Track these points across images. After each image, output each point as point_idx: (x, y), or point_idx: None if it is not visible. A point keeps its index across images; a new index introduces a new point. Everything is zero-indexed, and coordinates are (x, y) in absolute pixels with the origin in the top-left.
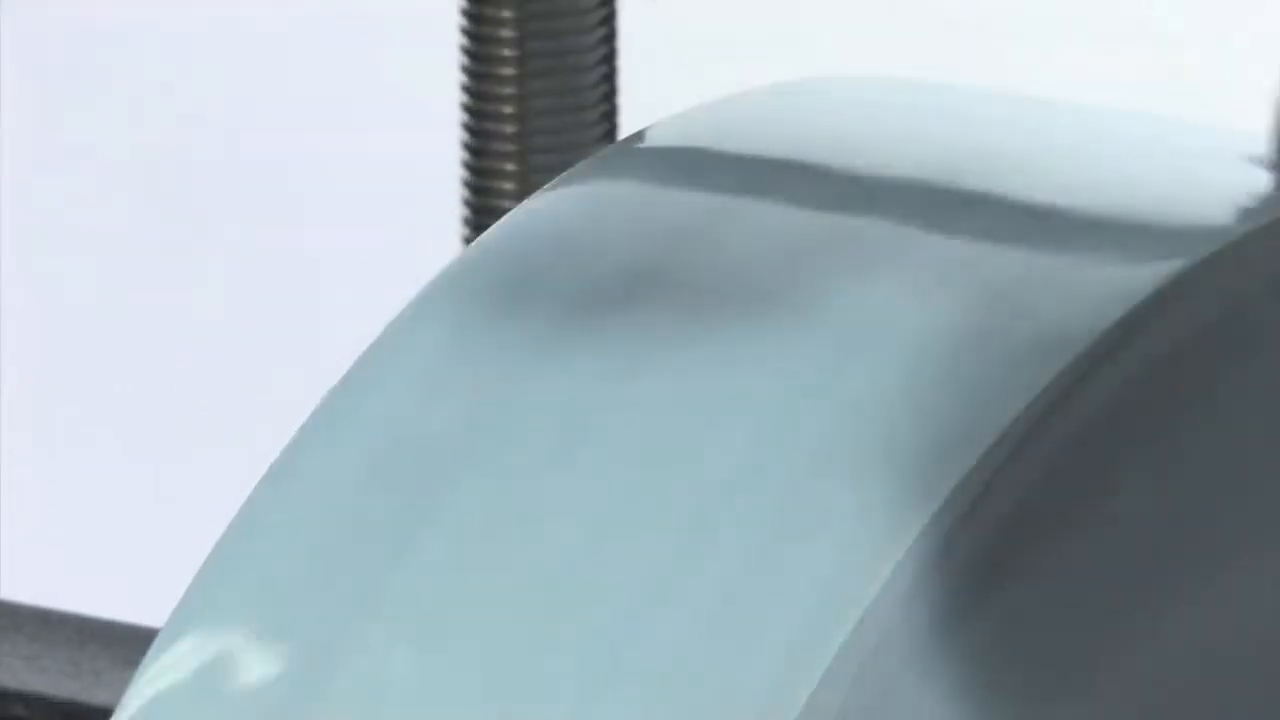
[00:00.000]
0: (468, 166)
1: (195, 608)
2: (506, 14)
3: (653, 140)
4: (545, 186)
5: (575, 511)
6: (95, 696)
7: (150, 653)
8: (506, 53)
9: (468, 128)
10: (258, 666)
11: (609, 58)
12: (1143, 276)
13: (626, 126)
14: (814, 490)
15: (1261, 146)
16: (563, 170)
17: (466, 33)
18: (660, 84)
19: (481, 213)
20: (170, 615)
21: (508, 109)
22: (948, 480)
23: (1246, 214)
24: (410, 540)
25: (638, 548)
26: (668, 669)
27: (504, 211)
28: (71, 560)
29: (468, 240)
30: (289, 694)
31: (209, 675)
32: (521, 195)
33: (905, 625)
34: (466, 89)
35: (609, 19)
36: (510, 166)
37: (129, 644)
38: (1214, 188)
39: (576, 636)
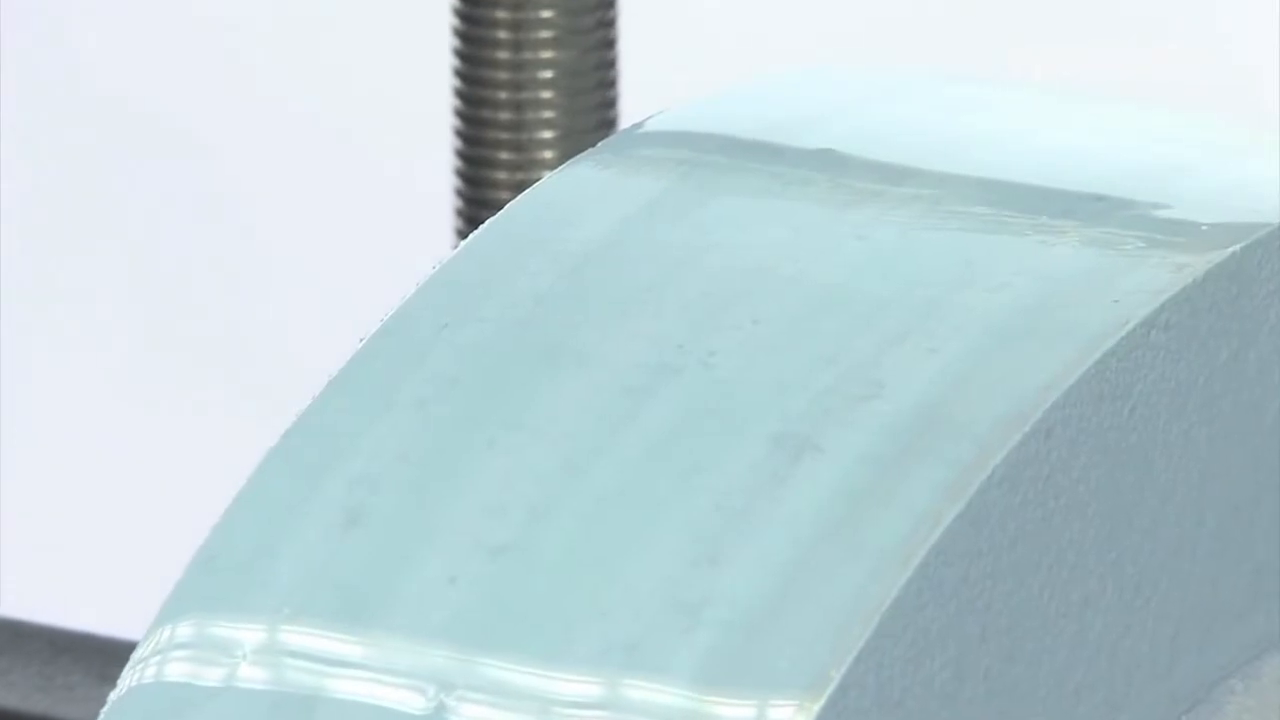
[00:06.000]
0: (461, 155)
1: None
2: (502, 14)
3: (654, 129)
4: (548, 175)
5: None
6: (67, 711)
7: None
8: (502, 34)
9: (460, 114)
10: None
11: (609, 44)
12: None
13: (626, 120)
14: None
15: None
16: (560, 162)
17: (460, 13)
18: (661, 79)
19: (475, 204)
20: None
21: (502, 95)
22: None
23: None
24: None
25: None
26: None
27: (500, 204)
28: (43, 571)
29: (462, 234)
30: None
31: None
32: (519, 187)
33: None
34: (459, 73)
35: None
36: (505, 155)
37: (102, 657)
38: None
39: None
